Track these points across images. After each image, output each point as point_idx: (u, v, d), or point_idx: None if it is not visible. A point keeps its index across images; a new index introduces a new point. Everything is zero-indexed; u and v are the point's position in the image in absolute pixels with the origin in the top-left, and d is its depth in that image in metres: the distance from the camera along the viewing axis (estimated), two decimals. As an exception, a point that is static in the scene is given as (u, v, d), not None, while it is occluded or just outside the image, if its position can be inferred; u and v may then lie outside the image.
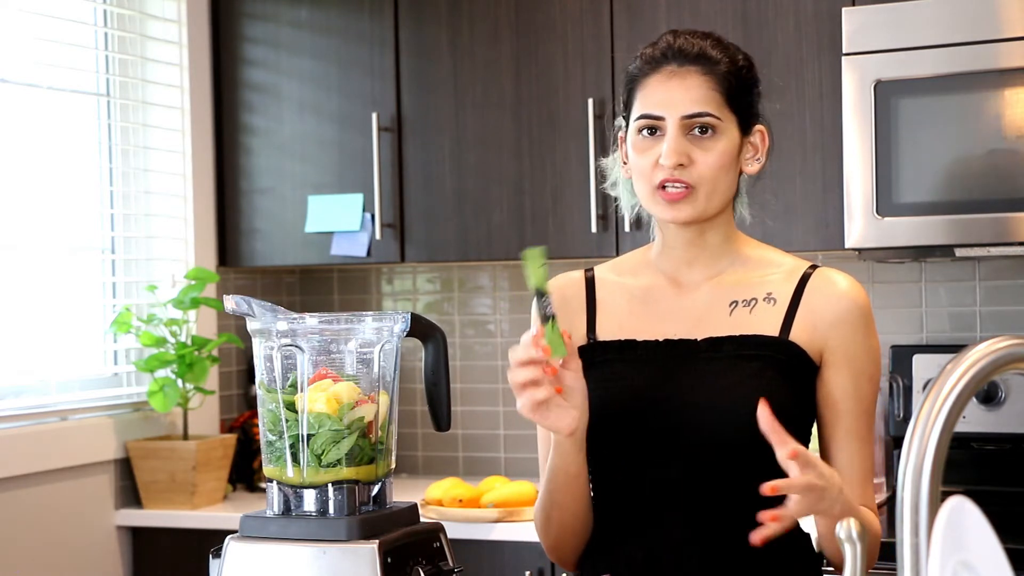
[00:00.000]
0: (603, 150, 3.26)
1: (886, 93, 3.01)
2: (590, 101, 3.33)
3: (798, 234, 3.17)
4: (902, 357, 3.34)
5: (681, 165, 1.87)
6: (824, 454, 1.94)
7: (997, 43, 2.93)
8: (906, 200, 3.01)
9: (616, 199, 2.10)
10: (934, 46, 2.98)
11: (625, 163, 1.98)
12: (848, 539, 1.18)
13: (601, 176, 2.14)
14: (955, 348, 3.25)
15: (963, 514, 1.04)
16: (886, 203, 3.01)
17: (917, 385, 3.30)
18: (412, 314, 1.87)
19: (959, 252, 3.06)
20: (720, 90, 1.90)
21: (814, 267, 1.96)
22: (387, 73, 3.56)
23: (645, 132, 1.91)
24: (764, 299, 1.93)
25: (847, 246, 3.06)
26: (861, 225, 3.04)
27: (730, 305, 1.94)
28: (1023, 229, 2.92)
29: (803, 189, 3.18)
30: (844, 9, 3.06)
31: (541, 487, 1.94)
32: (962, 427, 3.22)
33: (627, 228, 3.28)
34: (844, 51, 3.05)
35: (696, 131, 1.89)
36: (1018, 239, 2.93)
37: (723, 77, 1.90)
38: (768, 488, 1.64)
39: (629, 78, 1.96)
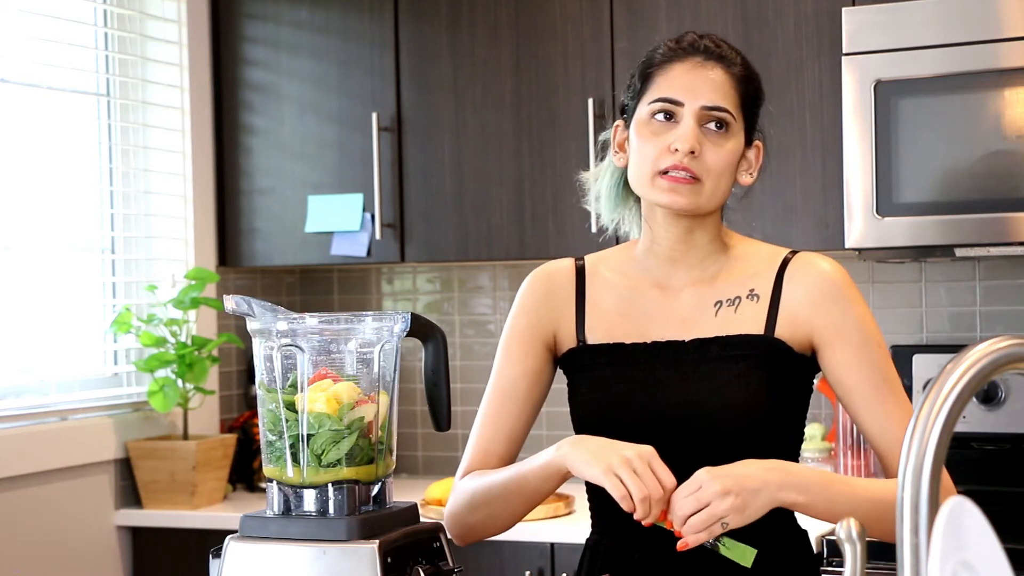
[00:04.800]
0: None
1: (886, 93, 3.01)
2: (590, 101, 3.33)
3: (798, 234, 3.17)
4: (902, 357, 3.33)
5: (692, 153, 1.87)
6: (862, 434, 1.93)
7: (997, 43, 2.93)
8: (906, 200, 3.00)
9: (598, 214, 2.09)
10: (934, 46, 2.98)
11: (617, 152, 1.98)
12: (848, 539, 1.18)
13: (581, 191, 2.12)
14: (955, 348, 3.25)
15: (963, 514, 1.04)
16: (886, 203, 3.01)
17: (917, 385, 3.30)
18: (412, 314, 1.87)
19: (959, 252, 3.06)
20: (738, 92, 1.92)
21: (794, 253, 1.96)
22: (387, 73, 3.56)
23: (660, 116, 1.90)
24: (747, 296, 1.93)
25: (847, 246, 3.06)
26: (861, 225, 3.03)
27: (715, 305, 1.94)
28: (1023, 229, 2.92)
29: (803, 189, 3.18)
30: (844, 9, 3.06)
31: (495, 480, 1.92)
32: (962, 427, 3.22)
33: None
34: (844, 51, 3.05)
35: (711, 125, 1.89)
36: (1018, 239, 2.93)
37: (741, 80, 1.92)
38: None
39: (647, 63, 1.95)
